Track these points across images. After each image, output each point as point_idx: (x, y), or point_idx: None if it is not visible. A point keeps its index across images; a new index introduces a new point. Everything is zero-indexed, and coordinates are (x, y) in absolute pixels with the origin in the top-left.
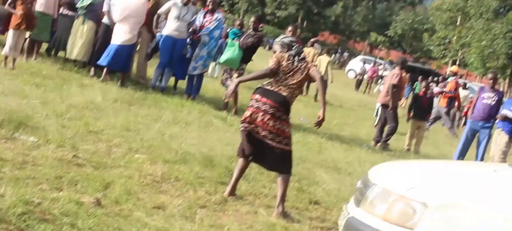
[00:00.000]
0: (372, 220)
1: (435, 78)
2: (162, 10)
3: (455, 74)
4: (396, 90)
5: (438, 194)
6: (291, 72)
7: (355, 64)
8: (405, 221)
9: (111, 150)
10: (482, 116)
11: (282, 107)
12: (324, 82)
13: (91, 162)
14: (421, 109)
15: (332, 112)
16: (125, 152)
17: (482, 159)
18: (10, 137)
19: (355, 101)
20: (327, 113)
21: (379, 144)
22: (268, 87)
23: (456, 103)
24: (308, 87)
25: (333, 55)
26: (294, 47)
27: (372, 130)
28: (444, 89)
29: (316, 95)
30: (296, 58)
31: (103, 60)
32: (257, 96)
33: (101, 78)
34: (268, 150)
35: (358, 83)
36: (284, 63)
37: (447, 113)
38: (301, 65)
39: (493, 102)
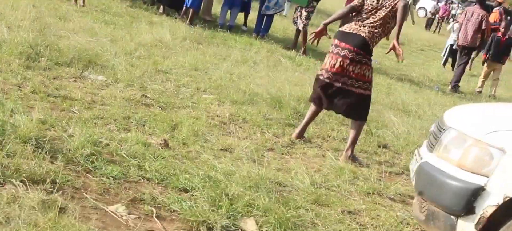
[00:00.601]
0: (446, 166)
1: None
2: None
3: (499, 4)
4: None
5: None
6: (374, 10)
7: (426, 2)
8: (481, 167)
9: (179, 90)
10: None
11: (361, 50)
12: (405, 12)
13: (159, 102)
14: (498, 50)
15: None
16: (193, 92)
17: None
18: (79, 76)
19: (425, 41)
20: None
21: (449, 88)
22: (347, 29)
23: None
24: None
25: None
26: None
27: (442, 70)
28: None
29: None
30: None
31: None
32: (336, 41)
33: (181, 15)
34: (347, 95)
35: (429, 23)
36: (368, 1)
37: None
38: (386, 2)
39: None
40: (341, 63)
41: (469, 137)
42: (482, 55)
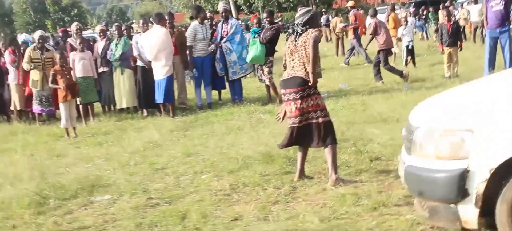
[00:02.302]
0: (427, 162)
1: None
2: (190, 39)
3: (353, 7)
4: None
5: (480, 117)
6: (295, 52)
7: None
8: (457, 152)
9: (179, 180)
10: (497, 23)
11: (304, 86)
12: (316, 47)
13: (164, 199)
14: (448, 36)
15: (364, 68)
16: (192, 177)
17: (511, 63)
18: (87, 203)
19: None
20: (360, 70)
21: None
22: (286, 76)
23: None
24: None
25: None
26: (292, 28)
27: (406, 70)
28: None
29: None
30: (295, 37)
31: (159, 97)
32: (282, 90)
33: (171, 115)
34: (313, 129)
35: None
36: (288, 48)
37: (359, 44)
38: (299, 42)
39: (502, 7)
40: (295, 106)
41: (437, 129)
42: (438, 46)
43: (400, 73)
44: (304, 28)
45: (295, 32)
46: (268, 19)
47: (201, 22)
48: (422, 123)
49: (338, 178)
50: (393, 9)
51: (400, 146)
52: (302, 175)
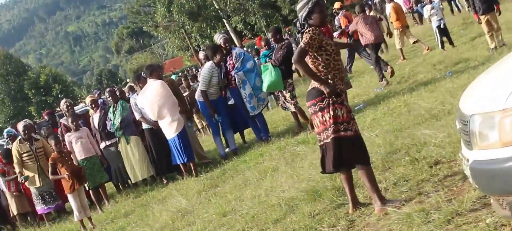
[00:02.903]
0: (493, 154)
1: None
2: (204, 83)
3: (339, 9)
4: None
5: None
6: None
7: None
8: None
9: None
10: None
11: (319, 97)
12: (300, 63)
13: None
14: (481, 2)
15: (395, 62)
16: None
17: None
18: None
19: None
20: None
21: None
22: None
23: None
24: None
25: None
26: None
27: (443, 53)
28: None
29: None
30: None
31: (177, 158)
32: (306, 104)
33: (194, 174)
34: (341, 144)
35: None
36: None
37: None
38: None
39: None
40: (317, 120)
41: (494, 112)
42: (473, 16)
43: (381, 77)
44: (304, 25)
45: (299, 33)
46: (274, 38)
47: (218, 65)
48: (476, 108)
49: (385, 201)
50: None
51: (460, 142)
52: (356, 204)
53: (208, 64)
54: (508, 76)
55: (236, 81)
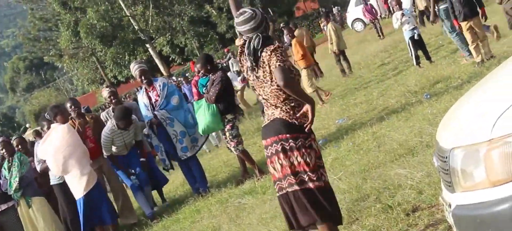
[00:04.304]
0: (480, 195)
1: None
2: (107, 148)
3: (284, 27)
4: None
5: None
6: (263, 86)
7: (356, 11)
8: None
9: None
10: None
11: (286, 133)
12: (288, 81)
13: None
14: (462, 5)
15: (365, 87)
16: None
17: None
18: None
19: (380, 53)
20: (358, 91)
21: None
22: (265, 122)
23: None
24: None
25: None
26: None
27: (419, 71)
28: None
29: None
30: (251, 67)
31: (88, 222)
32: (263, 142)
33: None
34: (305, 196)
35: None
36: (252, 86)
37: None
38: (260, 72)
39: None
40: (278, 163)
41: (479, 144)
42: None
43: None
44: (257, 51)
45: (249, 61)
46: (203, 69)
47: (122, 128)
48: (457, 140)
49: None
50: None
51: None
52: None
53: (108, 127)
54: (493, 98)
55: (159, 118)
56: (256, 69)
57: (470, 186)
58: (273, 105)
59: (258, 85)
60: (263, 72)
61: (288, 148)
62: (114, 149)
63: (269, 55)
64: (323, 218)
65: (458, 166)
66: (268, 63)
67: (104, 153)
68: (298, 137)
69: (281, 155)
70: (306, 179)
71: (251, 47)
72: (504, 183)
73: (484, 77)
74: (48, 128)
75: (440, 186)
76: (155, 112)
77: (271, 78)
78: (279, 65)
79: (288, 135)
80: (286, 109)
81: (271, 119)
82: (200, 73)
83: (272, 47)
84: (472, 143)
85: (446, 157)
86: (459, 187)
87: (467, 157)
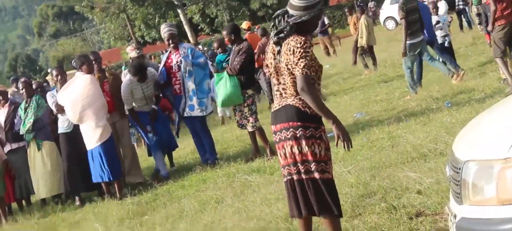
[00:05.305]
0: (488, 212)
1: None
2: (127, 101)
3: (247, 30)
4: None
5: None
6: (281, 73)
7: (390, 9)
8: None
9: None
10: None
11: (298, 121)
12: (308, 87)
13: None
14: None
15: (387, 85)
16: None
17: None
18: None
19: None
20: (381, 87)
21: None
22: (276, 106)
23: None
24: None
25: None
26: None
27: (444, 80)
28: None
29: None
30: (275, 45)
31: (97, 175)
32: (272, 127)
33: (118, 196)
34: (311, 186)
35: None
36: (269, 65)
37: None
38: (285, 52)
39: None
40: (286, 149)
41: (494, 160)
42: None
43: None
44: (287, 32)
45: (277, 37)
46: (230, 38)
47: (140, 80)
48: (473, 153)
49: None
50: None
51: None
52: None
53: (126, 80)
54: None
55: (181, 68)
56: (280, 52)
57: (479, 201)
58: (292, 95)
59: (280, 73)
60: (286, 60)
61: (298, 136)
62: (135, 105)
63: (295, 47)
64: (321, 211)
65: (470, 178)
66: (293, 54)
67: (126, 107)
68: (309, 126)
69: (290, 142)
70: (312, 169)
71: (285, 28)
72: None
73: (507, 97)
74: (61, 78)
75: (447, 195)
76: (179, 59)
77: (292, 68)
78: (302, 72)
79: (299, 123)
80: (301, 98)
81: (283, 105)
82: (218, 50)
83: (299, 39)
84: (487, 158)
85: (460, 168)
86: (467, 200)
87: (480, 171)
